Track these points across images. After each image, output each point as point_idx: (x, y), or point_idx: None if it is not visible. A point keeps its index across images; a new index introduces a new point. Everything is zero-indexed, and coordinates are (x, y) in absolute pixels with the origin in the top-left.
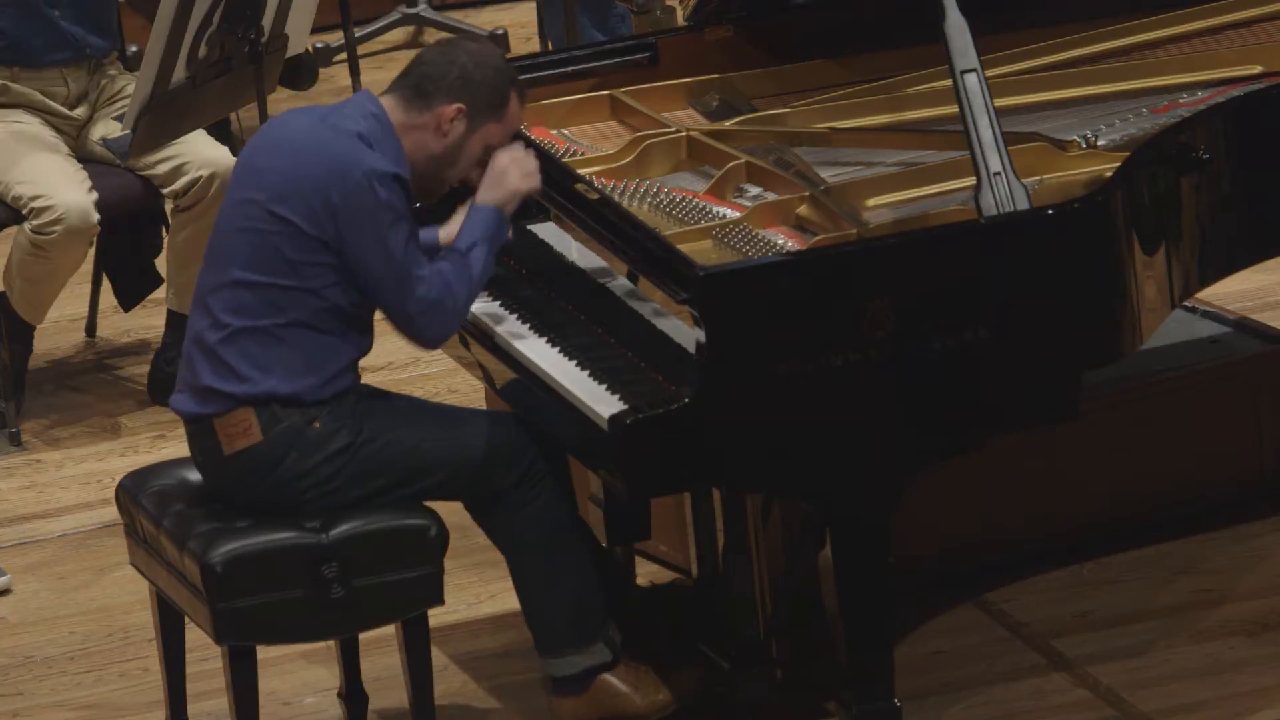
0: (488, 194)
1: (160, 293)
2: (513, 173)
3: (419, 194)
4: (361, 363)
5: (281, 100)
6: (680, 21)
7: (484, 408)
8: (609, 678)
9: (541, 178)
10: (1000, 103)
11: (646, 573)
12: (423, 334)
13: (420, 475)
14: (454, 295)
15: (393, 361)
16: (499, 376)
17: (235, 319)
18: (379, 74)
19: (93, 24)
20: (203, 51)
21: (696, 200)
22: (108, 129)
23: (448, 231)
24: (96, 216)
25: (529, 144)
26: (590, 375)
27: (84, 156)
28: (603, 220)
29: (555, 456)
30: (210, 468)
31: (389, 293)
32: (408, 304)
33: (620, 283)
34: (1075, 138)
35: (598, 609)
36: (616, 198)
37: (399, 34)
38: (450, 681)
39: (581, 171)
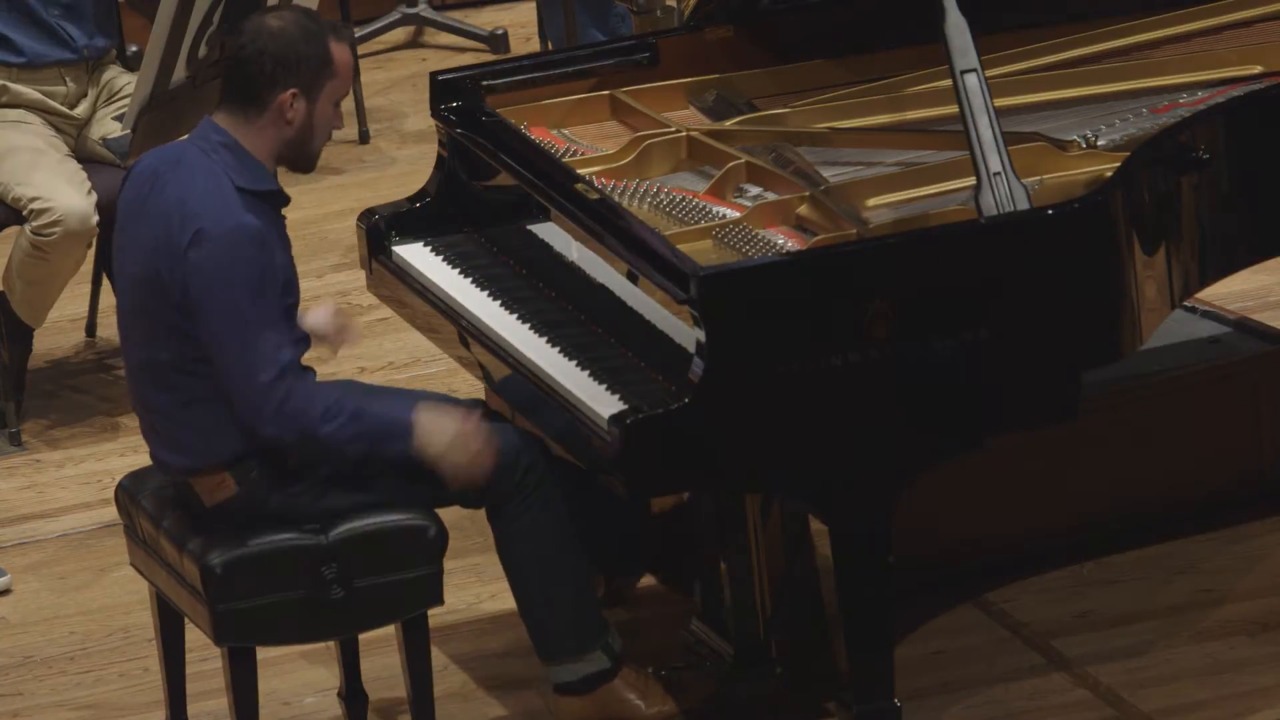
0: (436, 439)
1: None
2: (475, 458)
3: (294, 169)
4: (360, 363)
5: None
6: (680, 21)
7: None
8: (617, 685)
9: (481, 468)
10: (1000, 103)
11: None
12: (255, 422)
13: (412, 490)
14: (304, 410)
15: (392, 362)
16: (499, 376)
17: (168, 396)
18: (379, 74)
19: (91, 24)
20: (203, 51)
21: (696, 200)
22: (108, 129)
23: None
24: (96, 218)
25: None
26: (590, 375)
27: (84, 156)
28: (603, 220)
29: (550, 466)
30: (198, 512)
31: (231, 362)
32: (245, 379)
33: (620, 283)
34: (1075, 138)
35: (595, 617)
36: (616, 198)
37: (399, 34)
38: (450, 681)
39: (581, 171)
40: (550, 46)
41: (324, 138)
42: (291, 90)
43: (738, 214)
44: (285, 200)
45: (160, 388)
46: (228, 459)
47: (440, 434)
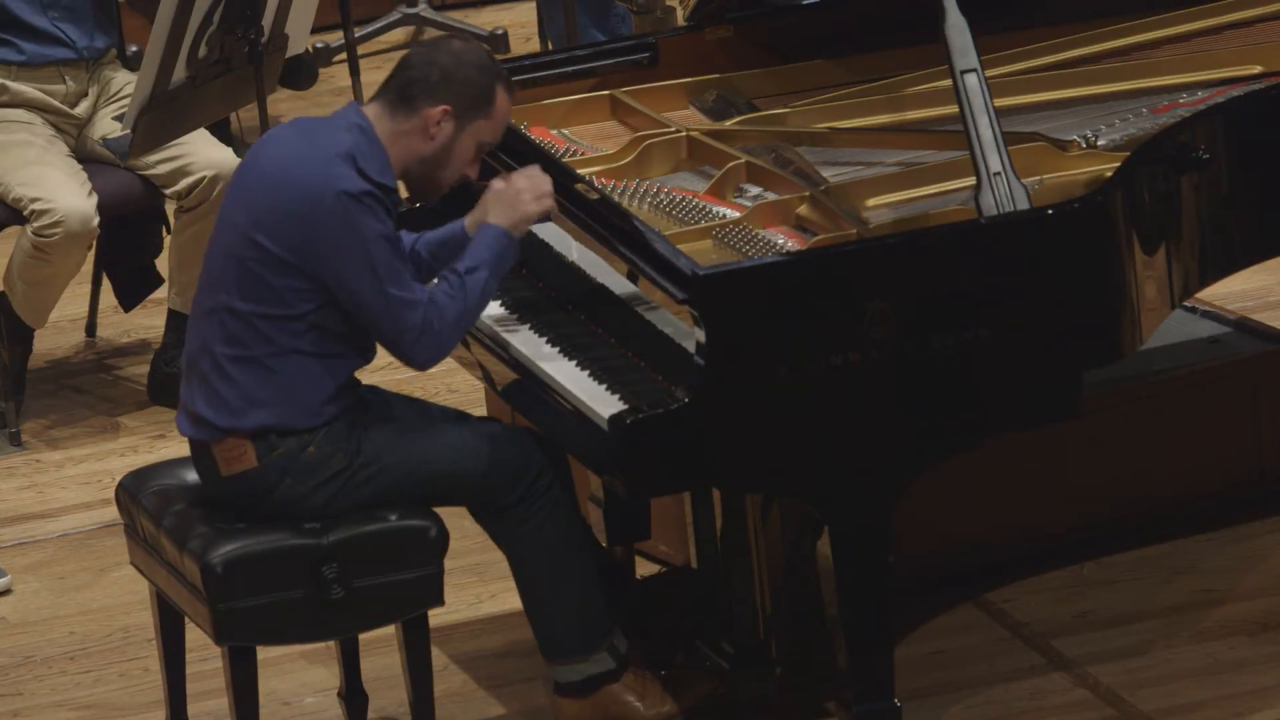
0: (498, 215)
1: (161, 293)
2: (526, 194)
3: (416, 196)
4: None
5: (281, 100)
6: (680, 21)
7: (484, 406)
8: (616, 687)
9: (553, 200)
10: (1000, 103)
11: (646, 573)
12: (411, 357)
13: (421, 493)
14: (444, 319)
15: (392, 362)
16: (499, 376)
17: (227, 348)
18: (379, 74)
19: (91, 24)
20: (203, 51)
21: (696, 200)
22: (108, 128)
23: (472, 219)
24: (97, 220)
25: (545, 166)
26: (590, 375)
27: (84, 156)
28: (603, 220)
29: (558, 469)
30: (211, 484)
31: (375, 315)
32: (394, 326)
33: (620, 283)
34: (1075, 138)
35: (601, 617)
36: (616, 198)
37: (399, 34)
38: (450, 681)
39: (581, 171)
40: (550, 46)
41: (456, 173)
42: (444, 107)
43: (738, 214)
44: (399, 201)
45: (225, 338)
46: (256, 428)
47: (516, 201)
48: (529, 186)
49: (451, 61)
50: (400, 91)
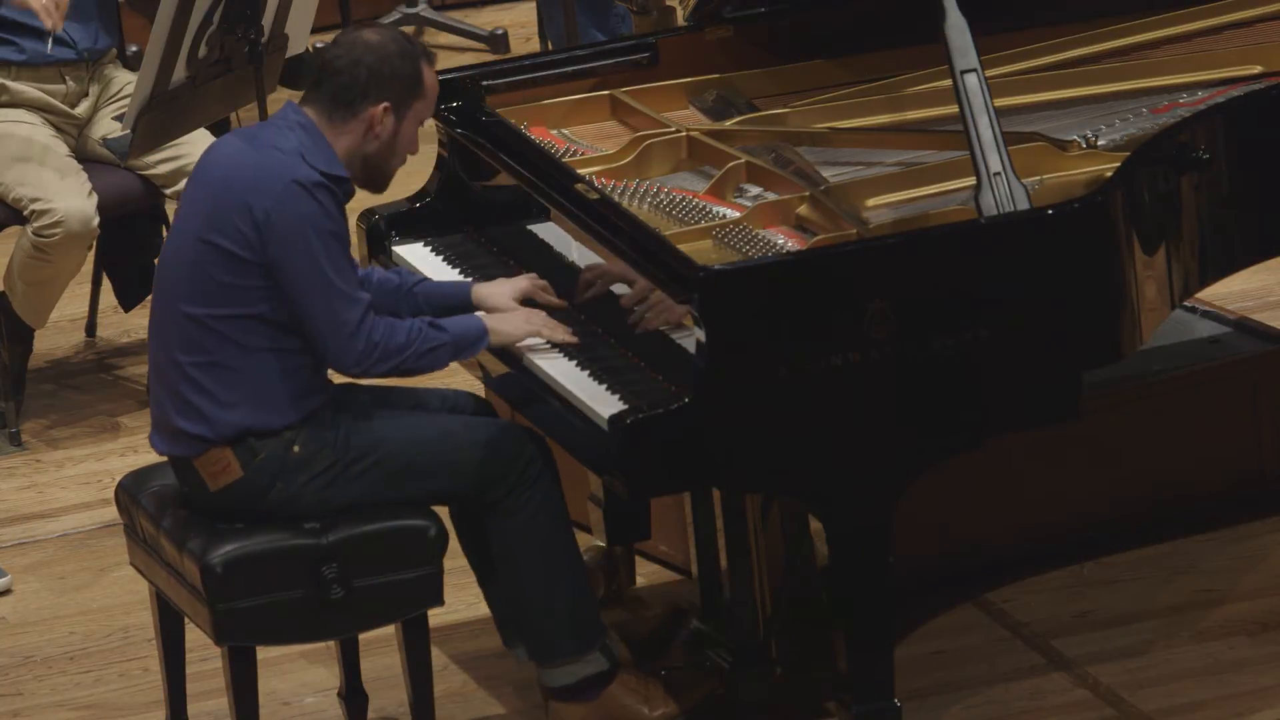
0: (497, 320)
1: None
2: (527, 326)
3: (367, 188)
4: None
5: (281, 100)
6: (680, 21)
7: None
8: (618, 689)
9: (553, 335)
10: (1000, 103)
11: (647, 573)
12: (341, 354)
13: (413, 484)
14: (389, 341)
15: None
16: (499, 375)
17: (190, 355)
18: None
19: (94, 25)
20: (203, 51)
21: (696, 200)
22: (108, 128)
23: (481, 295)
24: (97, 219)
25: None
26: (590, 375)
27: (84, 156)
28: (603, 220)
29: (549, 462)
30: (200, 501)
31: (313, 306)
32: (331, 320)
33: (620, 283)
34: (1075, 138)
35: (594, 616)
36: (616, 198)
37: None
38: (450, 681)
39: (581, 171)
40: (550, 46)
41: (402, 159)
42: (384, 104)
43: (738, 214)
44: (351, 191)
45: (186, 345)
46: (234, 434)
47: (511, 330)
48: (542, 324)
49: (374, 57)
50: (334, 98)
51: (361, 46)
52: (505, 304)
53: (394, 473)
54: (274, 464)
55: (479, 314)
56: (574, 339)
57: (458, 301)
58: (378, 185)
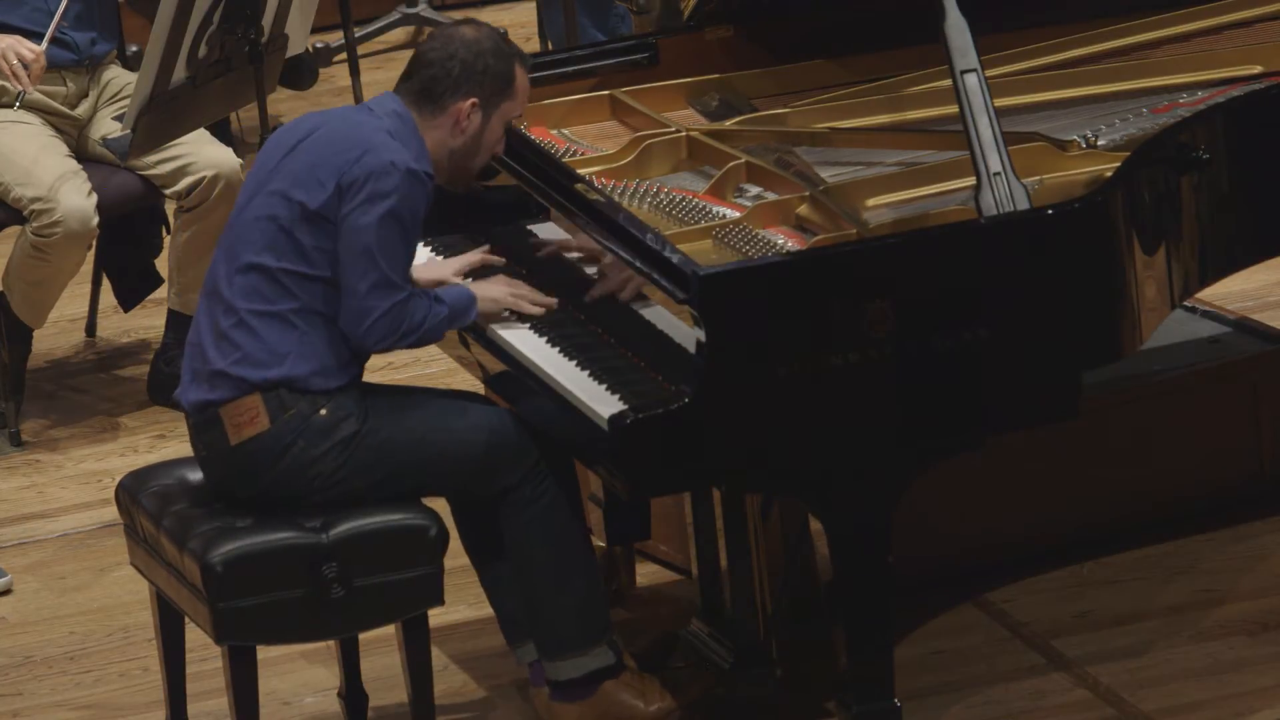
0: (479, 287)
1: (160, 293)
2: (509, 288)
3: (449, 185)
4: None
5: (281, 100)
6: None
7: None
8: (614, 686)
9: (531, 306)
10: (1000, 103)
11: (647, 573)
12: (366, 335)
13: (426, 467)
14: (410, 320)
15: (392, 362)
16: (499, 376)
17: (249, 303)
18: (379, 74)
19: (91, 25)
20: (203, 51)
21: (696, 200)
22: (108, 128)
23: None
24: (96, 220)
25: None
26: (590, 375)
27: (84, 156)
28: (603, 220)
29: (559, 453)
30: (215, 461)
31: (360, 276)
32: (370, 300)
33: None
34: (1075, 138)
35: (603, 610)
36: (616, 198)
37: (399, 34)
38: (450, 681)
39: (581, 171)
40: (550, 46)
41: (486, 157)
42: (472, 100)
43: (738, 214)
44: (434, 189)
45: (250, 294)
46: (277, 379)
47: (496, 295)
48: (523, 289)
49: (469, 53)
50: (424, 91)
51: (458, 41)
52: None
53: (410, 449)
54: (299, 422)
55: (462, 287)
56: (552, 301)
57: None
58: (461, 181)
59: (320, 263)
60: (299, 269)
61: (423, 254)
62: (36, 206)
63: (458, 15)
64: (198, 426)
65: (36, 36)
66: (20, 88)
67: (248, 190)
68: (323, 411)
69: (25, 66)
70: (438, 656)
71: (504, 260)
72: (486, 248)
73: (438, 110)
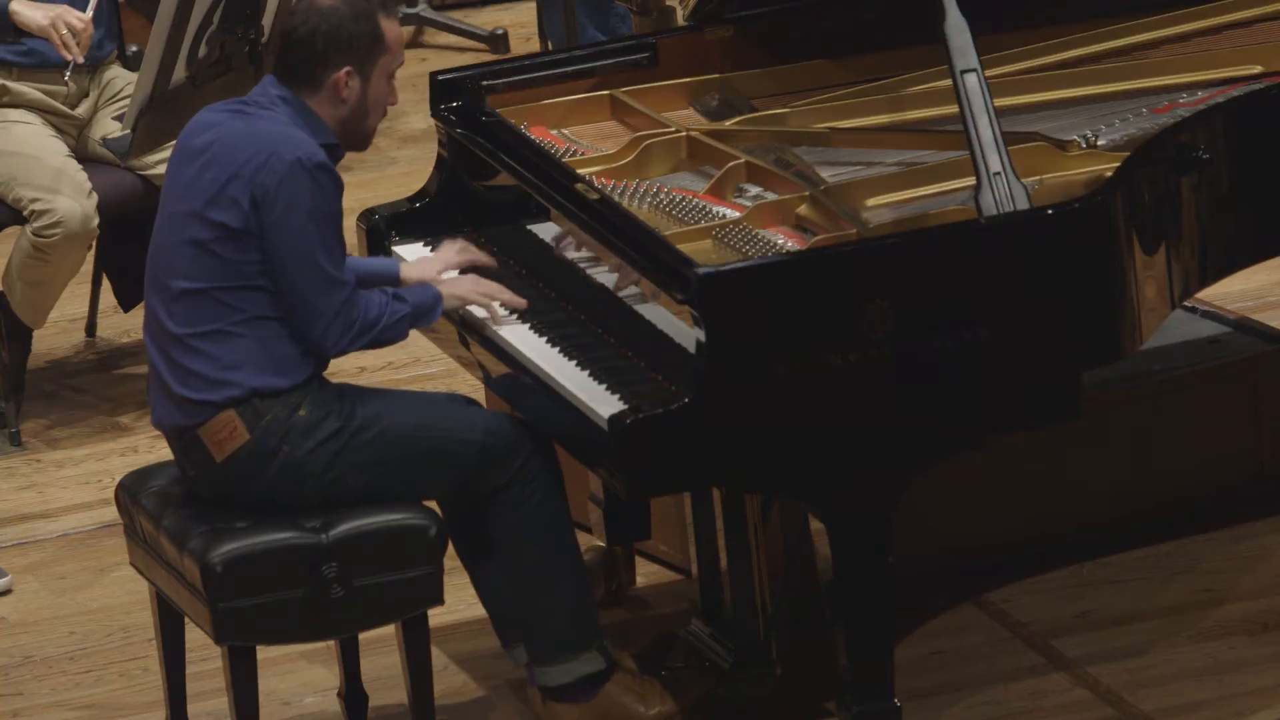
0: (447, 286)
1: None
2: (477, 287)
3: (350, 149)
4: (361, 364)
5: None
6: (680, 21)
7: (480, 398)
8: (615, 689)
9: (492, 299)
10: (1000, 103)
11: (647, 573)
12: (323, 339)
13: (418, 463)
14: (364, 318)
15: (392, 361)
16: (499, 376)
17: (192, 327)
18: None
19: (97, 32)
20: (203, 51)
21: (696, 200)
22: (108, 128)
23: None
24: (96, 220)
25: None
26: (590, 375)
27: (84, 156)
28: (603, 220)
29: (548, 454)
30: (206, 480)
31: (303, 288)
32: (319, 304)
33: None
34: (1075, 138)
35: (593, 616)
36: (616, 198)
37: None
38: (450, 681)
39: (581, 171)
40: (550, 46)
41: (379, 114)
42: (346, 69)
43: (738, 214)
44: (340, 155)
45: (188, 319)
46: (239, 394)
47: (463, 293)
48: (491, 289)
49: (328, 23)
50: (296, 71)
51: (315, 15)
52: (433, 278)
53: (401, 445)
54: (280, 426)
55: (425, 284)
56: (523, 301)
57: (385, 282)
58: (358, 144)
59: (252, 273)
60: (232, 284)
61: (423, 254)
62: (36, 206)
63: (457, 15)
64: (181, 450)
65: (81, 2)
66: (71, 57)
67: (162, 213)
68: (301, 411)
69: (74, 35)
70: (438, 656)
71: (493, 261)
72: (461, 245)
73: (316, 87)
